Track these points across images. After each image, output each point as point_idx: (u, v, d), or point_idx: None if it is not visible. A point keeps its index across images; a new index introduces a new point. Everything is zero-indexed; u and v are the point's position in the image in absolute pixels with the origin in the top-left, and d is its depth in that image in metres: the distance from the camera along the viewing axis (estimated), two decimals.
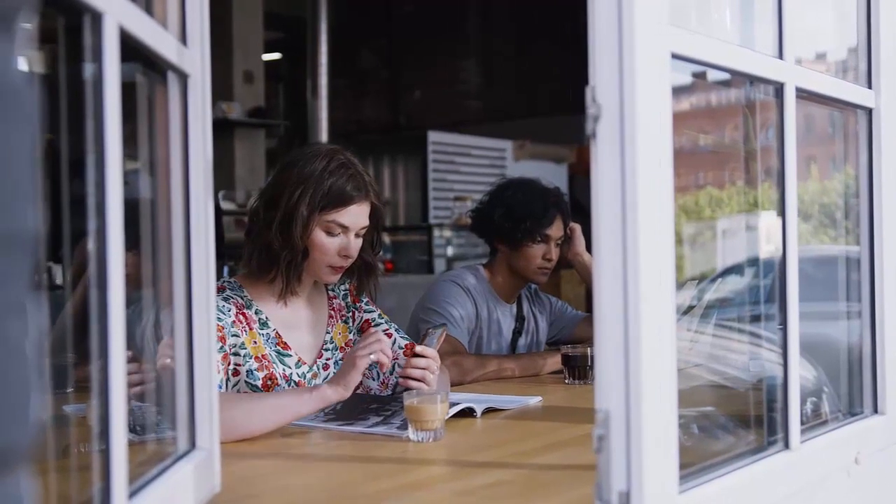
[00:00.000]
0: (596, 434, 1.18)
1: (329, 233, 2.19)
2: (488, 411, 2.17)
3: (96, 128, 1.01)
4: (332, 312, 2.38)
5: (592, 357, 2.64)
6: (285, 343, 2.24)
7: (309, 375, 2.26)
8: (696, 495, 1.27)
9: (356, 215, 2.21)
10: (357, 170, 2.22)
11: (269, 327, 2.23)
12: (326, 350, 2.33)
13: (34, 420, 0.60)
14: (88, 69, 1.02)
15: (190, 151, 1.37)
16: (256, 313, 2.23)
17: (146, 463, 1.27)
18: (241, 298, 2.22)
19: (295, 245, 2.16)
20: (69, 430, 1.33)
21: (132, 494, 1.10)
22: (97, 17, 1.00)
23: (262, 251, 2.20)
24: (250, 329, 2.19)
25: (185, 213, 1.36)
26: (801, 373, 1.57)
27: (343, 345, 2.36)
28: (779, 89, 1.52)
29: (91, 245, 1.01)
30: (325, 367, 2.31)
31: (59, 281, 2.70)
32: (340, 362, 2.30)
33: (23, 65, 0.60)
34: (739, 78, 1.60)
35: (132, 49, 1.12)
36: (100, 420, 1.01)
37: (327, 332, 2.35)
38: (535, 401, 2.35)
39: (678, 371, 1.24)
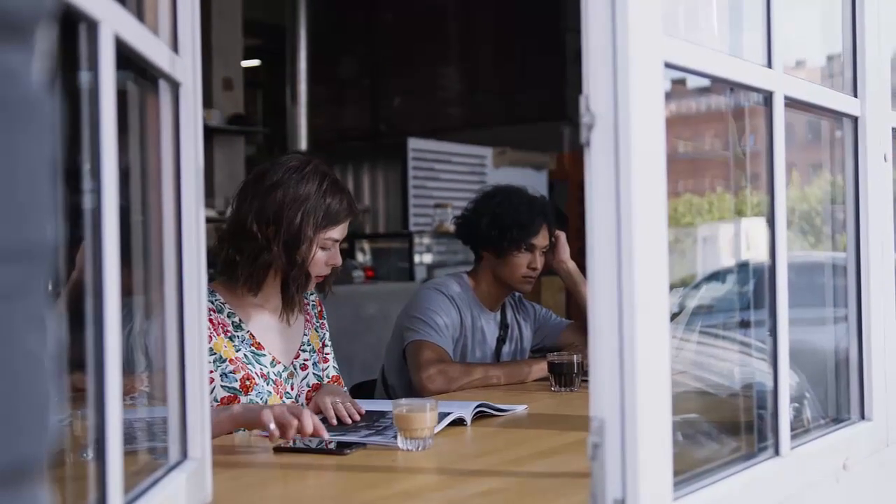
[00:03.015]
0: (591, 442, 1.18)
1: (323, 248, 2.29)
2: (478, 417, 2.17)
3: (92, 136, 1.01)
4: (308, 317, 2.46)
5: (578, 364, 2.66)
6: (259, 343, 2.29)
7: (285, 375, 2.32)
8: (690, 502, 1.28)
9: (345, 228, 2.33)
10: (343, 186, 2.34)
11: (243, 329, 2.27)
12: (304, 351, 2.40)
13: (52, 431, 0.60)
14: (84, 77, 1.02)
15: (182, 160, 1.36)
16: (229, 316, 2.27)
17: (138, 473, 1.26)
18: (212, 303, 2.24)
19: (303, 266, 2.25)
20: (60, 440, 1.32)
21: None
22: (93, 26, 1.00)
23: (261, 270, 2.25)
24: (219, 335, 2.23)
25: (176, 221, 1.36)
26: None
27: (316, 349, 2.44)
28: (768, 98, 1.53)
29: (87, 253, 1.01)
30: (304, 367, 2.38)
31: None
32: (317, 364, 2.41)
33: (40, 75, 0.60)
34: (721, 85, 1.61)
35: (125, 57, 1.12)
36: (96, 430, 1.01)
37: (304, 335, 2.42)
38: (521, 409, 2.35)
39: None
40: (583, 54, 1.19)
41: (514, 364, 2.94)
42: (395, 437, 1.89)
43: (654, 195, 1.20)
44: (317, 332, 2.46)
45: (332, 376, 2.45)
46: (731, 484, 1.39)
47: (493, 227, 2.98)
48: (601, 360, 1.18)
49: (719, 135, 1.97)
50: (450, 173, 8.51)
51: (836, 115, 1.84)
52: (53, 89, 0.61)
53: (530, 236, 2.98)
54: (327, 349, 2.50)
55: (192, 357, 1.37)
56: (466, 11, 9.79)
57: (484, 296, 3.08)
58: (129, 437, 1.40)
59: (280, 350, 2.33)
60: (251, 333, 2.28)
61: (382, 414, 2.17)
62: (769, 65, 1.53)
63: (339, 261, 2.32)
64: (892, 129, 1.91)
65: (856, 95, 1.83)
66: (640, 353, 1.16)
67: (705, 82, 1.58)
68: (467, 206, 3.13)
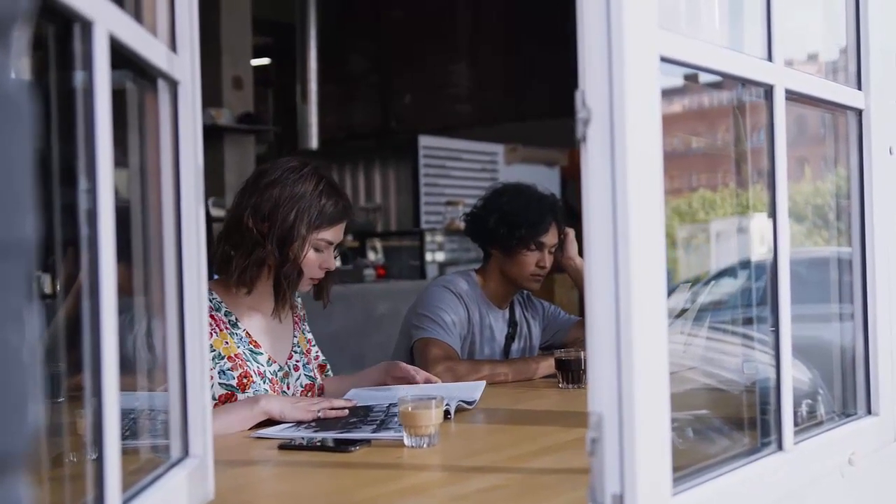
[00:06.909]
0: (589, 437, 1.18)
1: (316, 249, 2.32)
2: (481, 413, 2.19)
3: (87, 135, 1.01)
4: (296, 319, 2.50)
5: (586, 361, 2.64)
6: (256, 342, 2.33)
7: (280, 374, 2.36)
8: (689, 497, 1.27)
9: (340, 232, 2.36)
10: (340, 190, 2.37)
11: (239, 328, 2.31)
12: (295, 352, 2.44)
13: (31, 427, 0.60)
14: (78, 77, 1.02)
15: (181, 159, 1.36)
16: (226, 315, 2.31)
17: (139, 471, 1.27)
18: (210, 301, 2.27)
19: (295, 263, 2.27)
20: (61, 440, 1.33)
21: (126, 502, 1.09)
22: (87, 26, 1.00)
23: (255, 265, 2.28)
24: (220, 331, 2.27)
25: (176, 221, 1.36)
26: (796, 375, 1.57)
27: (304, 351, 2.48)
28: (768, 91, 1.53)
29: (83, 254, 1.01)
30: (296, 367, 2.42)
31: (47, 290, 2.69)
32: (307, 366, 2.45)
33: (18, 73, 0.61)
34: (730, 80, 1.61)
35: (121, 56, 1.12)
36: (93, 428, 1.01)
37: (294, 336, 2.46)
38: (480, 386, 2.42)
39: (671, 374, 1.24)
40: (578, 49, 1.19)
41: (521, 361, 2.93)
42: (397, 431, 1.89)
43: (651, 190, 1.20)
44: (304, 334, 2.51)
45: (305, 383, 2.44)
46: (732, 479, 1.39)
47: (501, 224, 2.98)
48: (599, 354, 1.18)
49: (731, 130, 1.97)
50: (461, 171, 8.51)
51: (840, 109, 1.83)
52: (31, 87, 0.62)
53: (539, 235, 2.97)
54: (314, 346, 2.54)
55: (193, 355, 1.38)
56: (475, 8, 9.77)
57: (492, 293, 3.08)
58: (135, 434, 1.41)
59: (274, 350, 2.37)
60: (247, 332, 2.32)
61: (368, 411, 2.18)
62: (769, 58, 1.52)
63: (332, 265, 2.35)
64: None
65: (860, 88, 1.82)
66: (638, 347, 1.16)
67: (718, 77, 1.57)
68: (476, 204, 3.13)
